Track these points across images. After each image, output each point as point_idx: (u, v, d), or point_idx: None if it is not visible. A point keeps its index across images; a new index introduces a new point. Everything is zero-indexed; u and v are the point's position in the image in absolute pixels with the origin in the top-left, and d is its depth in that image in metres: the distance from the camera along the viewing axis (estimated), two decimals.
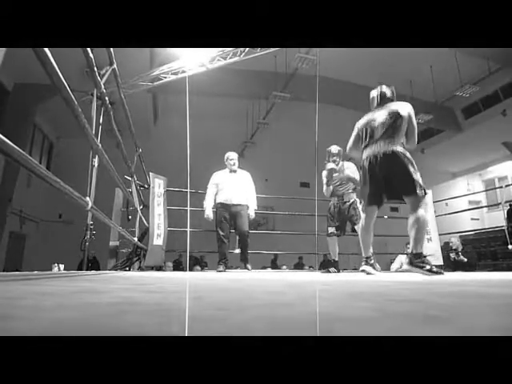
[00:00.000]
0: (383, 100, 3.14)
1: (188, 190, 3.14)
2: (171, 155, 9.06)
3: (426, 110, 11.57)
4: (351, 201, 4.36)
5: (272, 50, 8.55)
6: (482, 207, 13.64)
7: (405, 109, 2.99)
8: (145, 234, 5.02)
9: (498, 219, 9.04)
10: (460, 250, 7.52)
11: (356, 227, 4.11)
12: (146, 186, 5.13)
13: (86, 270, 3.78)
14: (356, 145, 3.22)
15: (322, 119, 11.13)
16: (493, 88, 11.43)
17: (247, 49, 8.55)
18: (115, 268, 4.77)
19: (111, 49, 2.84)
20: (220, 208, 4.67)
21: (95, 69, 2.24)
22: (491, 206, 11.88)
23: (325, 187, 4.39)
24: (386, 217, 7.40)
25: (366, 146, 3.03)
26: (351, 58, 10.29)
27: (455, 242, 7.78)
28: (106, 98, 2.75)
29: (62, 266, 6.48)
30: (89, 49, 2.00)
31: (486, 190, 13.74)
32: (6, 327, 0.48)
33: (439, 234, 6.23)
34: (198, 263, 9.65)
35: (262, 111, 12.17)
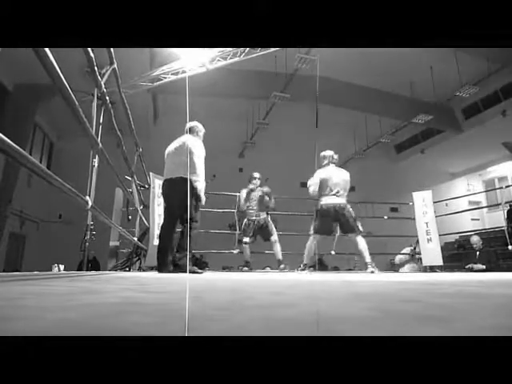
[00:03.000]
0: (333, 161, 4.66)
1: (188, 190, 3.14)
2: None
3: (426, 111, 11.56)
4: (262, 217, 5.30)
5: (272, 50, 8.54)
6: (482, 207, 13.64)
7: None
8: (145, 234, 5.02)
9: (498, 219, 9.04)
10: (481, 248, 6.53)
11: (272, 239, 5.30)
12: (147, 186, 5.13)
13: (86, 270, 3.79)
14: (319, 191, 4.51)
15: (322, 120, 11.13)
16: (493, 88, 11.42)
17: (247, 49, 8.55)
18: (115, 268, 4.77)
19: (111, 49, 2.84)
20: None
21: (96, 69, 2.24)
22: (491, 206, 11.88)
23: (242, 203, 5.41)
24: (385, 217, 7.39)
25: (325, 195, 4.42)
26: (351, 58, 10.27)
27: (476, 241, 6.26)
28: (107, 98, 2.75)
29: (62, 267, 6.48)
30: (89, 49, 2.00)
31: (486, 191, 13.74)
32: (6, 327, 0.48)
33: (439, 235, 6.23)
34: (198, 263, 9.65)
35: (261, 111, 12.16)
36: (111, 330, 0.47)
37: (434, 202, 6.39)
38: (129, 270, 4.71)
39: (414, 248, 6.58)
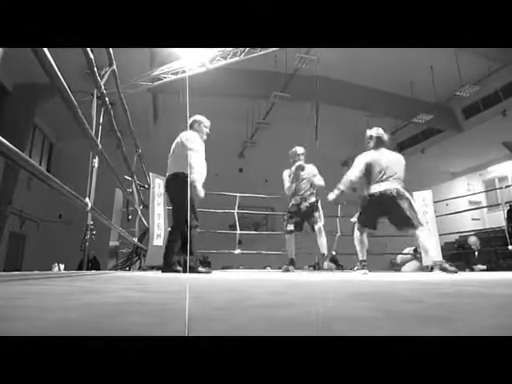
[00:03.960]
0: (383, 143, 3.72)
1: (188, 190, 3.14)
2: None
3: (426, 110, 11.56)
4: (312, 201, 4.48)
5: (272, 49, 8.54)
6: (482, 207, 13.64)
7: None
8: (145, 234, 5.02)
9: (498, 219, 9.04)
10: (479, 248, 6.35)
11: (316, 227, 4.37)
12: (146, 186, 5.13)
13: (86, 269, 3.79)
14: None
15: (322, 119, 11.12)
16: (493, 88, 11.42)
17: (247, 49, 8.55)
18: (115, 268, 4.77)
19: (111, 49, 2.84)
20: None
21: (95, 69, 2.24)
22: (491, 206, 11.88)
23: (287, 184, 4.52)
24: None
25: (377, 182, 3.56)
26: (351, 58, 10.27)
27: (474, 241, 6.45)
28: (106, 99, 2.75)
29: (62, 266, 6.49)
30: (89, 49, 2.00)
31: (487, 191, 13.73)
32: (6, 327, 0.48)
33: (439, 235, 6.23)
34: (201, 263, 9.66)
35: (262, 111, 12.16)
36: (111, 330, 0.47)
37: (435, 202, 6.39)
38: (129, 270, 4.71)
39: (416, 249, 6.58)
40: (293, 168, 4.47)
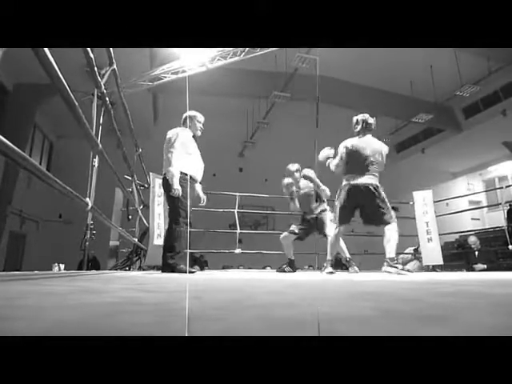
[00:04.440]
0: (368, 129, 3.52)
1: (188, 190, 3.14)
2: None
3: (426, 110, 11.57)
4: (317, 212, 4.38)
5: (272, 49, 8.54)
6: (482, 207, 13.64)
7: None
8: (145, 233, 5.02)
9: (498, 219, 9.03)
10: (479, 248, 6.32)
11: (329, 239, 4.06)
12: (146, 186, 5.13)
13: (86, 269, 3.79)
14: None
15: (322, 119, 11.11)
16: (493, 88, 11.42)
17: (247, 49, 8.55)
18: (115, 268, 4.77)
19: (111, 49, 2.84)
20: None
21: (95, 69, 2.24)
22: (491, 206, 11.87)
23: (291, 204, 4.42)
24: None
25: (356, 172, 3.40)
26: (351, 57, 10.27)
27: (474, 241, 6.38)
28: (107, 98, 2.76)
29: (62, 266, 6.49)
30: (89, 49, 2.00)
31: (487, 191, 13.73)
32: (6, 327, 0.48)
33: (439, 234, 6.23)
34: (197, 263, 9.65)
35: (261, 111, 12.16)
36: (111, 330, 0.47)
37: (435, 202, 6.39)
38: (129, 270, 4.71)
39: (416, 248, 6.59)
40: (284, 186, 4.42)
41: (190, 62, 8.78)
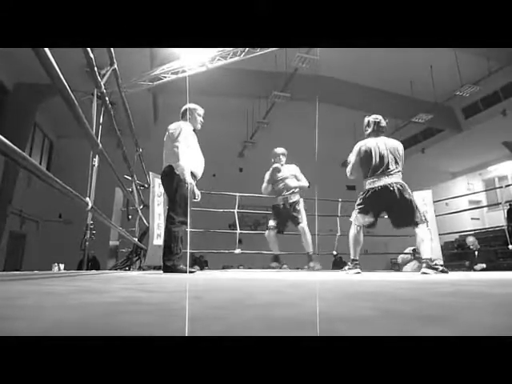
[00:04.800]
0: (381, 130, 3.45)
1: (189, 190, 3.13)
2: None
3: (426, 110, 11.57)
4: (293, 200, 4.55)
5: (272, 49, 8.54)
6: (482, 207, 13.64)
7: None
8: (145, 233, 5.02)
9: (498, 219, 9.03)
10: (478, 248, 6.41)
11: (299, 226, 4.44)
12: (146, 186, 5.13)
13: (86, 269, 3.79)
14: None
15: (322, 119, 11.12)
16: (493, 88, 11.42)
17: (247, 49, 8.55)
18: (115, 268, 4.77)
19: (111, 49, 2.84)
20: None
21: (95, 69, 2.24)
22: (491, 205, 11.88)
23: (264, 185, 4.66)
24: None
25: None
26: (351, 57, 10.27)
27: (472, 241, 6.42)
28: (107, 98, 2.76)
29: (62, 266, 6.49)
30: (89, 49, 2.00)
31: (486, 190, 13.74)
32: (6, 327, 0.48)
33: (439, 234, 6.23)
34: (197, 263, 9.66)
35: (262, 111, 12.16)
36: (111, 330, 0.47)
37: (434, 202, 6.39)
38: (129, 270, 4.71)
39: (415, 249, 6.59)
40: (270, 169, 4.63)
41: (190, 62, 8.78)
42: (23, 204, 10.21)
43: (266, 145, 14.01)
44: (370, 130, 3.42)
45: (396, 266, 7.13)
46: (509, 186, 9.83)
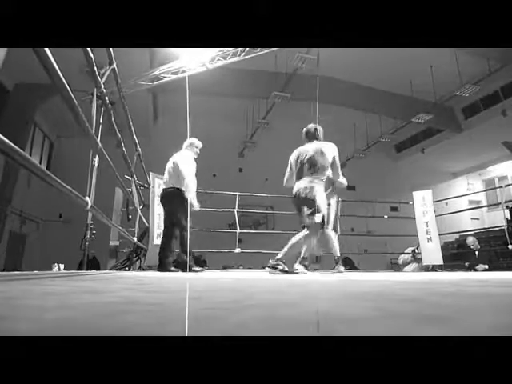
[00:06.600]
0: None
1: (184, 200, 3.15)
2: (171, 155, 9.05)
3: (426, 110, 11.56)
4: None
5: (272, 49, 8.54)
6: (481, 207, 13.65)
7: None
8: (145, 233, 5.02)
9: (498, 219, 9.04)
10: (479, 248, 6.39)
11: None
12: (146, 186, 5.13)
13: (86, 269, 3.78)
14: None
15: (322, 119, 11.10)
16: (493, 88, 11.42)
17: (247, 49, 8.55)
18: (115, 268, 4.77)
19: (111, 49, 2.84)
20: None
21: (95, 69, 2.24)
22: (491, 205, 11.88)
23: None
24: (385, 217, 7.39)
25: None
26: (351, 57, 10.27)
27: (472, 241, 6.40)
28: (106, 98, 2.75)
29: (62, 266, 6.49)
30: (89, 49, 2.00)
31: (486, 190, 13.74)
32: (6, 327, 0.48)
33: (439, 234, 6.23)
34: (197, 262, 9.64)
35: (261, 111, 12.15)
36: (111, 330, 0.47)
37: (434, 202, 6.40)
38: (129, 270, 4.71)
39: (415, 248, 6.59)
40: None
41: (190, 61, 8.77)
42: (23, 204, 10.20)
43: (265, 145, 14.06)
44: (303, 138, 3.54)
45: (396, 266, 7.13)
46: (509, 185, 9.83)
